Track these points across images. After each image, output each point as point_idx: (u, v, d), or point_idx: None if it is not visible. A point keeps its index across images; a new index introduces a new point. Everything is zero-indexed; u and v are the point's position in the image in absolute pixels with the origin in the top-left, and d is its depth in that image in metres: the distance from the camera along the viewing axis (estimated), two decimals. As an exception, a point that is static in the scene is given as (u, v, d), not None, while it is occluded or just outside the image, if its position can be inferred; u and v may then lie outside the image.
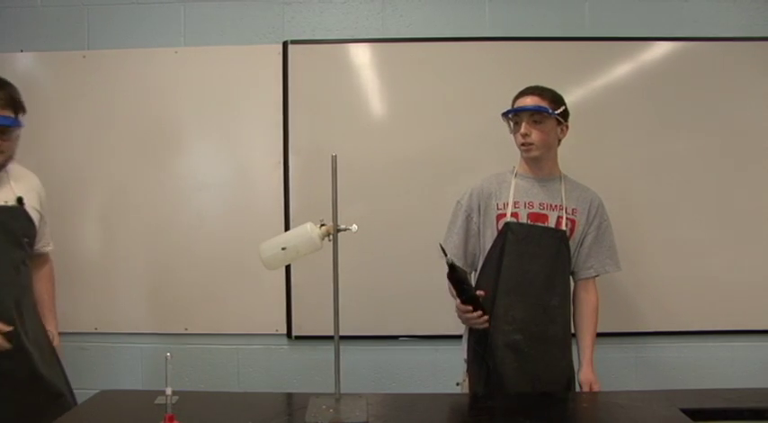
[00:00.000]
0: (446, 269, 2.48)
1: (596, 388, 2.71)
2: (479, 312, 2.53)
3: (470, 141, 3.44)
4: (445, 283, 2.59)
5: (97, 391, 2.56)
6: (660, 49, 3.53)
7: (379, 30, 3.57)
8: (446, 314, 2.81)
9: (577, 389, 2.77)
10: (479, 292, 2.58)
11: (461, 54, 3.52)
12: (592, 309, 2.81)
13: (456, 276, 2.49)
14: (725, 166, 3.51)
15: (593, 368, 2.75)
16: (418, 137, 3.52)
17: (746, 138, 3.51)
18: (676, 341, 3.56)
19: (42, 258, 2.94)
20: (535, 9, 3.56)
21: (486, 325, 2.56)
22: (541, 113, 2.66)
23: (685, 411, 2.25)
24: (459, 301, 2.54)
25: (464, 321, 2.63)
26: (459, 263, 2.81)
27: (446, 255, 2.46)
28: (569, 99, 3.33)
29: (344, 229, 2.31)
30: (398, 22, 3.57)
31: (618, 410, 2.35)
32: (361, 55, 3.57)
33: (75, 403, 2.74)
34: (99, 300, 3.58)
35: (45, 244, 2.92)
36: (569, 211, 2.72)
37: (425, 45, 3.53)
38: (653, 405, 2.36)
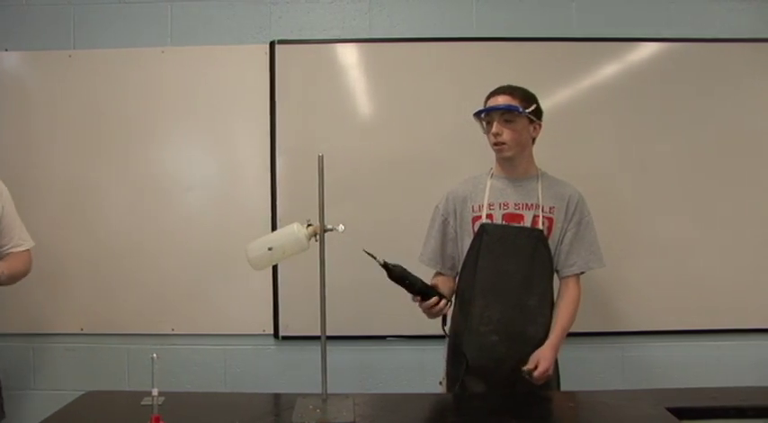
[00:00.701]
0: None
1: (541, 367, 2.54)
2: (434, 299, 2.52)
3: (457, 141, 3.44)
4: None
5: (83, 391, 2.56)
6: (647, 49, 3.54)
7: (366, 30, 3.57)
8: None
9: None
10: (433, 282, 2.65)
11: (449, 54, 3.53)
12: (569, 301, 2.72)
13: (395, 276, 2.48)
14: (710, 166, 3.53)
15: (553, 352, 2.62)
16: (406, 137, 3.52)
17: (732, 138, 3.53)
18: (663, 340, 3.57)
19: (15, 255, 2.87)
20: (522, 9, 3.57)
21: (445, 308, 2.57)
22: (512, 112, 2.65)
23: (671, 410, 2.27)
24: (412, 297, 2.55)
25: (427, 314, 2.59)
26: (437, 267, 2.83)
27: (375, 258, 2.43)
28: (556, 99, 3.37)
29: (331, 230, 2.32)
30: (385, 22, 3.57)
31: (604, 409, 2.37)
32: (349, 55, 3.57)
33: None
34: (85, 300, 3.56)
35: (15, 244, 2.86)
36: (546, 209, 2.70)
37: (413, 45, 3.53)
38: (639, 404, 2.38)
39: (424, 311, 2.58)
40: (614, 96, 3.52)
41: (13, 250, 2.85)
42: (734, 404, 2.41)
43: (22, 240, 2.89)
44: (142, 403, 2.27)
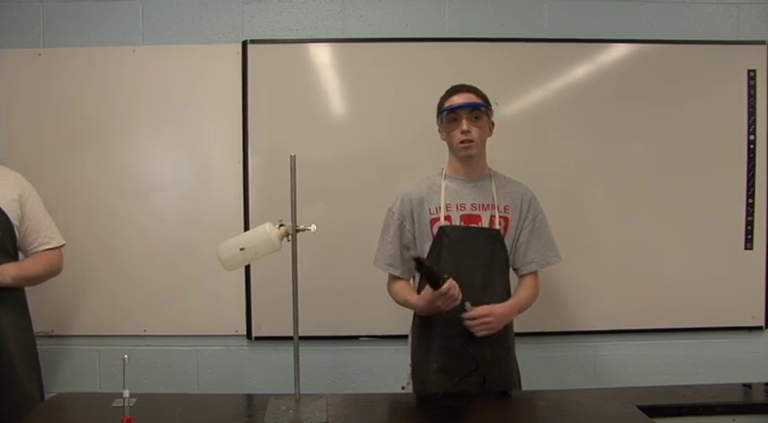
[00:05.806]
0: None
1: (482, 310, 2.54)
2: (449, 287, 2.43)
3: (430, 141, 3.42)
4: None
5: (54, 393, 2.54)
6: (617, 50, 3.57)
7: (339, 30, 3.56)
8: (406, 314, 2.82)
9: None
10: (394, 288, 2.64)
11: (421, 54, 3.53)
12: (529, 287, 2.76)
13: (425, 269, 2.44)
14: (679, 167, 3.56)
15: (503, 310, 2.61)
16: (378, 137, 3.53)
17: (700, 140, 3.57)
18: (634, 340, 3.60)
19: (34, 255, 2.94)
20: (494, 10, 3.58)
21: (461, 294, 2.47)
22: (480, 109, 2.67)
23: (643, 408, 2.30)
24: (437, 289, 2.44)
25: (444, 305, 2.48)
26: (396, 272, 2.80)
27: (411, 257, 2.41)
28: (528, 99, 3.39)
29: (303, 230, 2.32)
30: (358, 22, 3.57)
31: (575, 408, 2.39)
32: (321, 55, 3.56)
33: None
34: (56, 302, 3.52)
35: (41, 243, 2.94)
36: (501, 208, 2.72)
37: (385, 45, 3.53)
38: (610, 402, 2.40)
39: (442, 303, 2.48)
40: (584, 97, 3.54)
41: (39, 249, 2.92)
42: (703, 401, 2.45)
43: (49, 238, 2.96)
44: (114, 405, 2.26)
